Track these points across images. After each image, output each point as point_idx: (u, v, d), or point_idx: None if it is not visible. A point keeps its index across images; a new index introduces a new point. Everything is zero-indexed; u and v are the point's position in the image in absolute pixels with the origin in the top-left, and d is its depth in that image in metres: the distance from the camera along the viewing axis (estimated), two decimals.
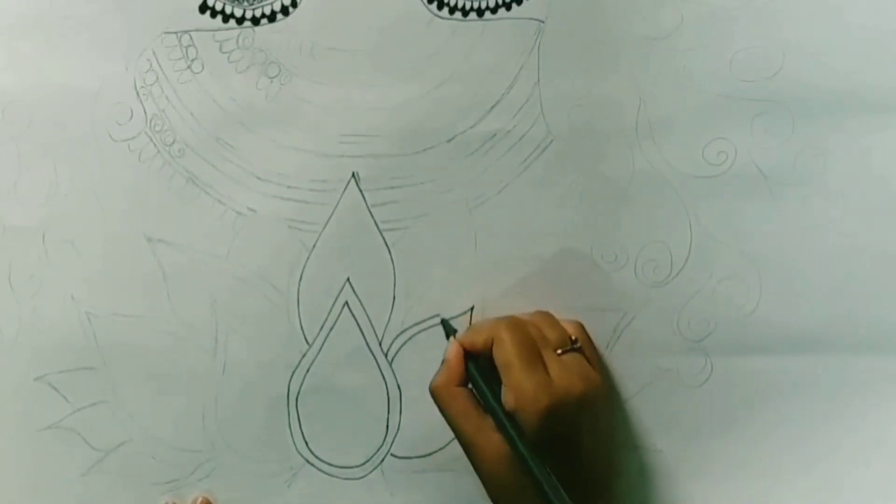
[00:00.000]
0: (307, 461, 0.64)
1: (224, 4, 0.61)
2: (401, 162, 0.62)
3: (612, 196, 0.63)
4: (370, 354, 0.63)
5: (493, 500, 0.59)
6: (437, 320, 0.63)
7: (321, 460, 0.64)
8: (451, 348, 0.60)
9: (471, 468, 0.59)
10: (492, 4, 0.62)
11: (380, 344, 0.63)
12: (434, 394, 0.60)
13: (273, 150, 0.62)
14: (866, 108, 0.61)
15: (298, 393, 0.63)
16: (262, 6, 0.61)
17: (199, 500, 0.63)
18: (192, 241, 0.62)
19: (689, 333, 0.63)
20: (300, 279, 0.63)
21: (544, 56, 0.62)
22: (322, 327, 0.63)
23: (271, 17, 0.62)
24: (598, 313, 0.63)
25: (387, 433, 0.64)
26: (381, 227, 0.63)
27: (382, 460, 0.64)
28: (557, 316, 0.62)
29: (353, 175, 0.62)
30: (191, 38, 0.62)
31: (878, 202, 0.62)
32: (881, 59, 0.61)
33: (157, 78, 0.62)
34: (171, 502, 0.63)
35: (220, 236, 0.62)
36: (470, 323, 0.63)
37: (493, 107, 0.62)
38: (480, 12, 0.62)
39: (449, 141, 0.62)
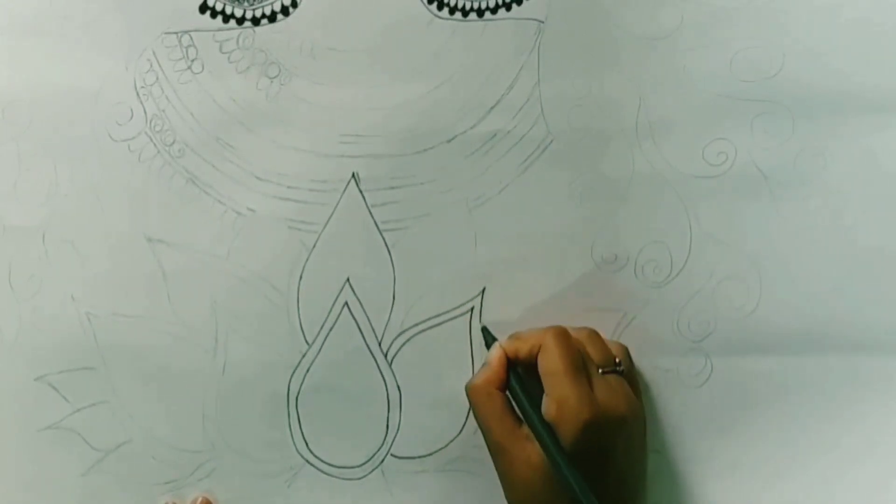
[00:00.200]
0: (307, 461, 0.64)
1: (224, 5, 0.61)
2: (401, 162, 0.62)
3: (612, 196, 0.63)
4: (370, 354, 0.63)
5: None
6: (437, 320, 0.63)
7: (321, 460, 0.64)
8: (495, 352, 0.60)
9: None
10: (492, 5, 0.62)
11: (379, 344, 0.63)
12: (471, 393, 0.60)
13: (273, 151, 0.62)
14: (866, 108, 0.61)
15: (298, 393, 0.63)
16: (263, 6, 0.61)
17: (199, 500, 0.63)
18: (192, 241, 0.62)
19: (689, 333, 0.63)
20: (300, 279, 0.63)
21: (544, 56, 0.62)
22: (322, 327, 0.63)
23: (271, 18, 0.62)
24: (597, 313, 0.63)
25: (387, 433, 0.63)
26: (381, 227, 0.63)
27: (382, 460, 0.64)
28: (602, 335, 0.62)
29: (353, 175, 0.62)
30: (191, 38, 0.62)
31: (878, 202, 0.62)
32: (881, 59, 0.61)
33: (158, 78, 0.62)
34: (171, 502, 0.63)
35: (220, 236, 0.62)
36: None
37: (493, 107, 0.62)
38: (480, 13, 0.62)
39: (449, 141, 0.62)
